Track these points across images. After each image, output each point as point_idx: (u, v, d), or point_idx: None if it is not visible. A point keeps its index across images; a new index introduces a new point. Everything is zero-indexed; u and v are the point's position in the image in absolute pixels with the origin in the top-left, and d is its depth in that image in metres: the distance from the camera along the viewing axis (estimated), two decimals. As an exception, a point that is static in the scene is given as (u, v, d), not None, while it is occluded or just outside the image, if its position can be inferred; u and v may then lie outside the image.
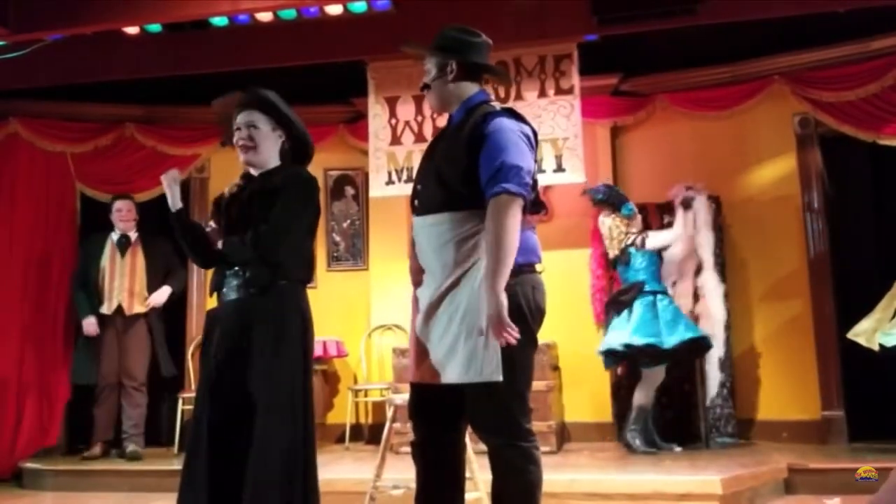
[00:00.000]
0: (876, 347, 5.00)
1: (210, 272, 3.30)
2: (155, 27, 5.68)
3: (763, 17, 5.28)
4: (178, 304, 6.44)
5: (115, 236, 5.99)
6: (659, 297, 5.36)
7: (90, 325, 5.81)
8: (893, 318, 5.03)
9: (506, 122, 2.60)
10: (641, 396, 5.39)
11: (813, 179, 5.88)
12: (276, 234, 2.92)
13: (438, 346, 2.58)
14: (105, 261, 5.90)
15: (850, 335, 5.16)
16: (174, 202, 3.11)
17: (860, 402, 5.58)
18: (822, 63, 5.70)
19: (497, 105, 2.72)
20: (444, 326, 2.57)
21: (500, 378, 2.48)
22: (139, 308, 5.85)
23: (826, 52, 5.67)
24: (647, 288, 5.39)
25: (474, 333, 2.50)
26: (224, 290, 3.01)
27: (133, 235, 6.00)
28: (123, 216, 5.97)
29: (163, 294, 5.93)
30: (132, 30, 5.71)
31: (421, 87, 2.83)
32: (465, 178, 2.56)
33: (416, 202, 2.72)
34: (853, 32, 5.47)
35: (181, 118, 6.56)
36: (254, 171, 3.12)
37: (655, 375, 5.40)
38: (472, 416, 2.63)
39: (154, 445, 6.10)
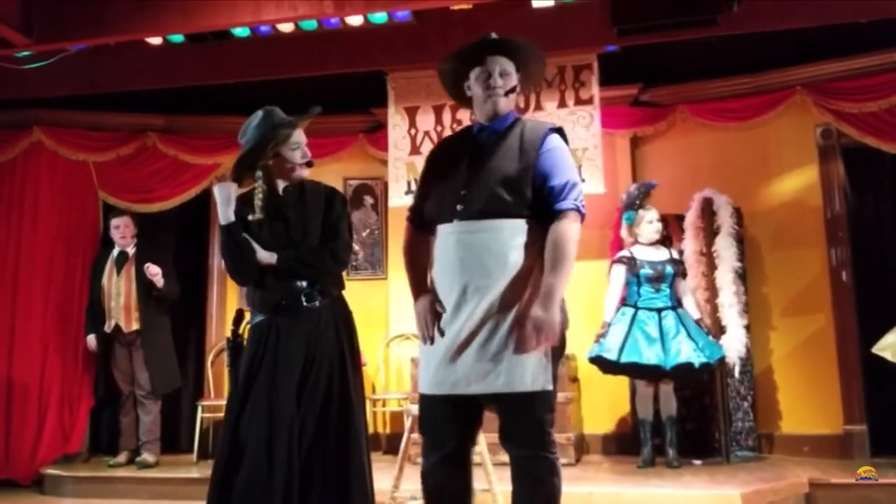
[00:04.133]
0: (896, 362, 4.94)
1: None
2: (177, 38, 5.74)
3: (784, 28, 5.26)
4: (188, 317, 6.46)
5: (114, 253, 5.98)
6: (641, 312, 5.30)
7: (89, 342, 5.91)
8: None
9: (561, 141, 2.72)
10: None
11: (835, 191, 5.83)
12: (347, 249, 3.25)
13: (482, 354, 2.52)
14: (104, 279, 5.91)
15: (875, 350, 5.08)
16: (227, 216, 3.09)
17: (883, 416, 5.51)
18: (845, 74, 5.65)
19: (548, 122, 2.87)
20: (489, 333, 2.53)
21: (552, 387, 2.56)
22: (136, 325, 5.82)
23: (848, 63, 5.63)
24: (627, 302, 5.36)
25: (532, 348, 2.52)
26: (286, 300, 3.09)
27: (131, 251, 5.97)
28: (121, 233, 5.96)
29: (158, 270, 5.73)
30: (155, 40, 5.77)
31: (508, 92, 2.72)
32: (531, 188, 2.59)
33: (458, 207, 2.62)
34: (876, 43, 5.43)
35: (203, 127, 6.62)
36: (282, 185, 3.24)
37: (640, 388, 5.43)
38: (508, 426, 2.59)
39: (173, 453, 6.13)
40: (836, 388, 5.60)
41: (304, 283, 3.09)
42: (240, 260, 3.10)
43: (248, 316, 3.24)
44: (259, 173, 3.15)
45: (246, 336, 3.22)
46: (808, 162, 5.91)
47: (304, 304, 3.08)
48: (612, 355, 5.15)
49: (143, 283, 5.80)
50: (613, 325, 5.29)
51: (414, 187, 6.03)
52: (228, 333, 3.31)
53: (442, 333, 2.60)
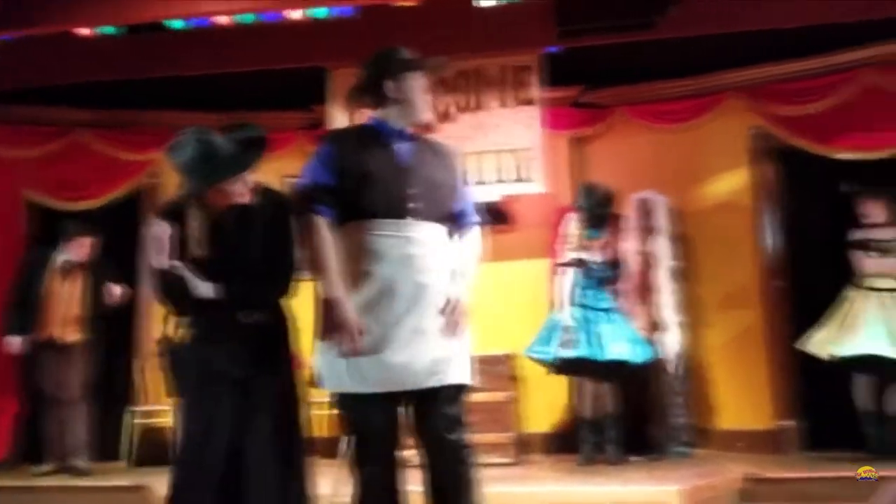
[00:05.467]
0: (827, 357, 5.11)
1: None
2: (109, 29, 5.59)
3: (719, 32, 5.37)
4: (117, 318, 6.26)
5: (60, 258, 5.67)
6: (591, 312, 5.32)
7: (13, 344, 5.54)
8: (843, 328, 5.15)
9: None
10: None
11: (768, 191, 5.97)
12: (292, 270, 2.99)
13: (435, 348, 2.64)
14: (46, 284, 5.61)
15: (802, 346, 5.26)
16: (161, 263, 2.88)
17: (813, 411, 5.66)
18: (778, 78, 5.79)
19: None
20: (441, 330, 2.66)
21: None
22: (73, 336, 5.61)
23: (782, 67, 5.76)
24: (574, 303, 5.35)
25: (464, 337, 2.73)
26: (226, 319, 2.91)
27: (79, 260, 5.71)
28: (85, 251, 5.65)
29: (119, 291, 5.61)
30: (85, 32, 5.59)
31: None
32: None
33: (411, 205, 2.70)
34: (809, 48, 5.58)
35: (136, 123, 6.41)
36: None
37: (583, 386, 5.45)
38: (450, 416, 2.67)
39: (103, 460, 5.94)
40: (769, 383, 5.75)
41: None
42: (176, 301, 2.93)
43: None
44: (193, 202, 2.94)
45: (177, 339, 3.02)
46: (741, 163, 6.05)
47: (252, 319, 2.94)
48: (592, 355, 5.13)
49: (96, 298, 5.58)
50: (575, 328, 5.23)
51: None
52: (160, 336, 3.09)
53: (357, 348, 2.58)
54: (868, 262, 5.24)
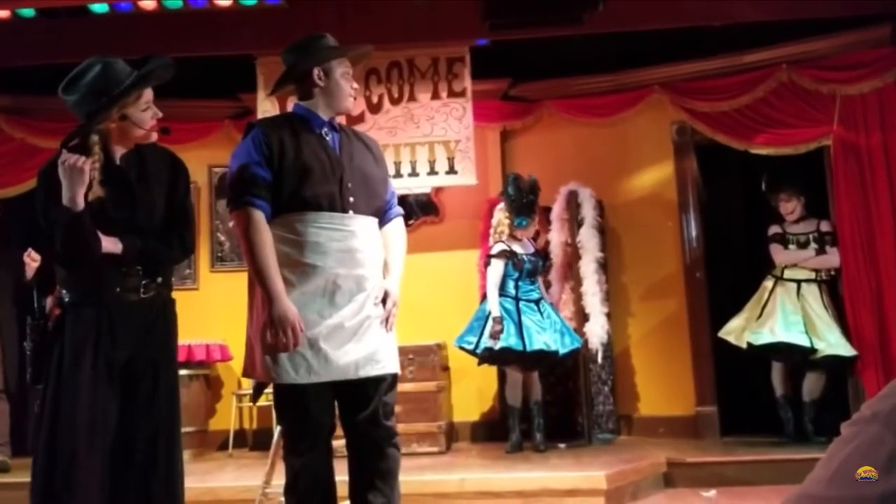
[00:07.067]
0: (744, 345, 5.31)
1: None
2: (28, 12, 5.35)
3: (645, 29, 5.50)
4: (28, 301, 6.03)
5: None
6: (522, 303, 5.40)
7: None
8: (760, 317, 5.36)
9: None
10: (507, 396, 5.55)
11: (689, 185, 6.14)
12: (195, 233, 2.90)
13: (372, 339, 2.69)
14: None
15: (721, 334, 5.46)
16: (78, 201, 2.53)
17: (730, 397, 5.87)
18: (699, 75, 5.94)
19: None
20: (374, 319, 2.72)
21: None
22: None
23: (702, 65, 5.91)
24: (505, 294, 5.42)
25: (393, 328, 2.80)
26: (121, 289, 2.67)
27: None
28: None
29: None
30: (2, 13, 5.36)
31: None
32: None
33: (350, 199, 2.72)
34: (727, 46, 5.74)
35: (54, 109, 6.16)
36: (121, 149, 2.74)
37: (511, 375, 5.51)
38: (388, 404, 2.74)
39: (25, 455, 5.74)
40: (689, 371, 5.92)
41: (142, 271, 2.71)
42: (85, 252, 2.58)
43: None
44: (95, 138, 2.62)
45: (52, 313, 2.79)
46: (664, 157, 6.21)
47: (141, 294, 2.71)
48: (519, 346, 5.18)
49: (15, 270, 5.33)
50: (504, 319, 5.27)
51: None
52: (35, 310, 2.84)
53: (297, 342, 2.58)
54: (786, 255, 5.46)
